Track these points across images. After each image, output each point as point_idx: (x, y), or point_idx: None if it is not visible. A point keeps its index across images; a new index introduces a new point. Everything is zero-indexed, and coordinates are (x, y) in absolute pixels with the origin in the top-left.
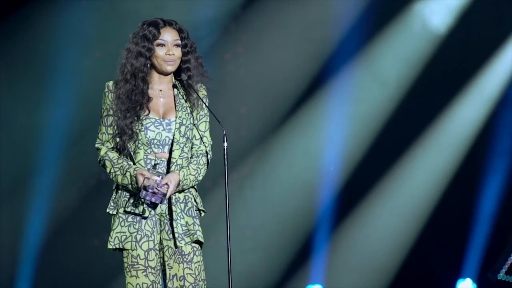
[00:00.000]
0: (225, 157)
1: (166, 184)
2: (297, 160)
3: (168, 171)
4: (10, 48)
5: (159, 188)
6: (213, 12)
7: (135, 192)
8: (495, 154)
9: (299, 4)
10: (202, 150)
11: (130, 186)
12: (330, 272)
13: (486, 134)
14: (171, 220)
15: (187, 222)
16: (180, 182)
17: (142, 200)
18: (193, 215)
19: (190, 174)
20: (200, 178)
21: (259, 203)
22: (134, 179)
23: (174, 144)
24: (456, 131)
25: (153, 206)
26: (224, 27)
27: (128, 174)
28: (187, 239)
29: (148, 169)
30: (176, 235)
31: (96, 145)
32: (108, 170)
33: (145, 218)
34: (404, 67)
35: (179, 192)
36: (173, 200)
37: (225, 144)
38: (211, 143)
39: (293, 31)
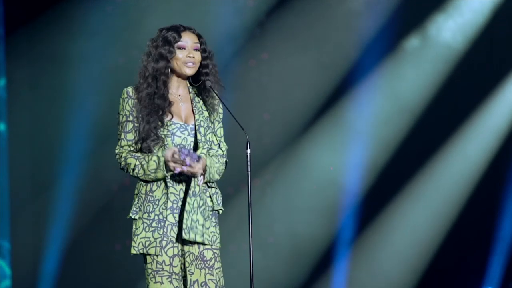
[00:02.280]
0: (248, 163)
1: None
2: (320, 167)
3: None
4: (34, 51)
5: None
6: (238, 18)
7: (158, 198)
8: None
9: (323, 11)
10: (219, 153)
11: (157, 171)
12: (352, 279)
13: (511, 143)
14: (182, 210)
15: (198, 220)
16: (207, 167)
17: (176, 157)
18: (206, 216)
19: (215, 162)
20: (217, 176)
21: (282, 209)
22: (162, 158)
23: (199, 144)
24: (480, 139)
25: (185, 182)
26: (249, 33)
27: (155, 157)
28: (192, 235)
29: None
30: (184, 226)
31: (116, 151)
32: (132, 166)
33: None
34: (429, 74)
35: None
36: (190, 193)
37: (248, 150)
38: (227, 147)
39: (317, 38)
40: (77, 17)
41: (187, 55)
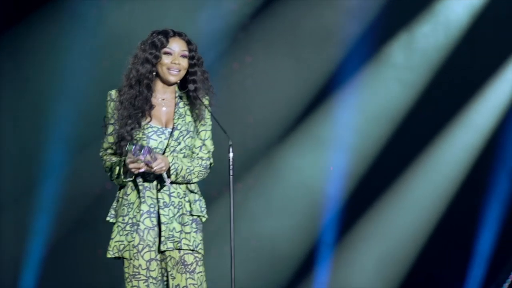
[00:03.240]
0: (231, 167)
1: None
2: (303, 171)
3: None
4: (16, 56)
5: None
6: (221, 21)
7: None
8: (503, 165)
9: (307, 15)
10: (199, 156)
11: (122, 176)
12: (334, 282)
13: (494, 144)
14: (159, 223)
15: (174, 228)
16: (170, 164)
17: (130, 157)
18: (183, 222)
19: (181, 161)
20: (193, 176)
21: (264, 213)
22: (123, 163)
23: (167, 148)
24: (461, 145)
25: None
26: (232, 36)
27: (121, 162)
28: (170, 245)
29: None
30: (162, 238)
31: (100, 153)
32: (108, 170)
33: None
34: (410, 79)
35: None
36: (161, 204)
37: (231, 154)
38: (213, 149)
39: (301, 42)
40: (60, 21)
41: (172, 61)
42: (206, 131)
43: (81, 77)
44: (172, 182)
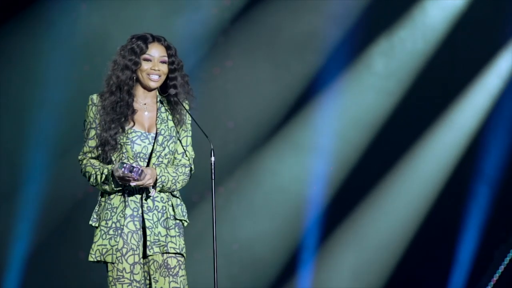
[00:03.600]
0: (213, 171)
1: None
2: (285, 175)
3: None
4: (3, 54)
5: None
6: (201, 26)
7: (116, 205)
8: (482, 170)
9: (288, 19)
10: (182, 162)
11: (107, 183)
12: (317, 285)
13: (478, 144)
14: (144, 228)
15: (159, 233)
16: (158, 177)
17: (121, 172)
18: (168, 226)
19: (167, 173)
20: (178, 185)
21: (246, 217)
22: (111, 172)
23: (152, 153)
24: (441, 150)
25: (138, 194)
26: (212, 41)
27: (106, 170)
28: (156, 249)
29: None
30: (148, 243)
31: (78, 157)
32: (88, 175)
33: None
34: (395, 79)
35: (160, 198)
36: (145, 208)
37: (213, 158)
38: (193, 156)
39: (282, 46)
40: (42, 25)
41: (152, 67)
42: (187, 137)
43: (61, 81)
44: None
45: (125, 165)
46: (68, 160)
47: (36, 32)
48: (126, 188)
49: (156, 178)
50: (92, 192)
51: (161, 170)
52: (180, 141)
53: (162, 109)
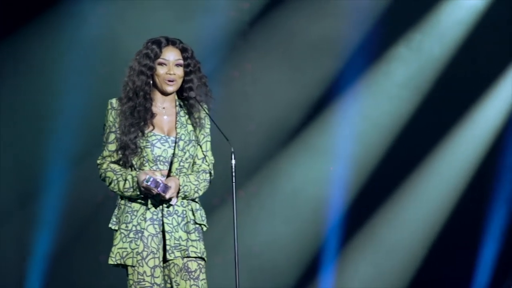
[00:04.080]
0: (233, 174)
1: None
2: (305, 178)
3: None
4: (17, 63)
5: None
6: (220, 29)
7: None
8: (507, 167)
9: (307, 21)
10: (202, 168)
11: (131, 190)
12: None
13: (497, 149)
14: (163, 232)
15: (180, 237)
16: (181, 187)
17: (146, 185)
18: (188, 230)
19: (190, 182)
20: (200, 192)
21: (267, 220)
22: (136, 179)
23: (174, 158)
24: (464, 149)
25: (160, 203)
26: (231, 44)
27: (129, 176)
28: (177, 253)
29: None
30: (168, 247)
31: (97, 161)
32: (109, 180)
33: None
34: (414, 83)
35: (180, 203)
36: (165, 212)
37: (233, 161)
38: (213, 161)
39: (301, 49)
40: (59, 28)
41: (167, 72)
42: (207, 142)
43: (78, 86)
44: None
45: (151, 179)
46: (88, 165)
47: (54, 35)
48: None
49: (179, 188)
50: (113, 196)
51: (183, 180)
52: (200, 146)
53: (181, 113)
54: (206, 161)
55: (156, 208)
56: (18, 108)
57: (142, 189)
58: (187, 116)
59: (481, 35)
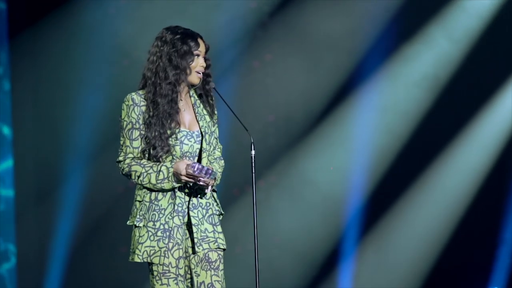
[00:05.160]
0: (253, 165)
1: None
2: (325, 168)
3: None
4: (38, 55)
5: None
6: (240, 20)
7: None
8: None
9: (326, 13)
10: (217, 155)
11: (166, 181)
12: (358, 280)
13: None
14: (190, 225)
15: (206, 229)
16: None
17: (192, 172)
18: (214, 222)
19: (217, 170)
20: (219, 179)
21: (287, 211)
22: (171, 170)
23: (202, 153)
24: (484, 140)
25: (196, 194)
26: (252, 35)
27: (163, 167)
28: (205, 246)
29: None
30: (195, 240)
31: (119, 158)
32: (138, 173)
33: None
34: (431, 77)
35: (200, 195)
36: (190, 205)
37: (253, 152)
38: (221, 146)
39: (321, 39)
40: (80, 19)
41: (201, 64)
42: (216, 129)
43: (104, 74)
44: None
45: (194, 165)
46: (108, 156)
47: (75, 26)
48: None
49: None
50: (133, 188)
51: (215, 168)
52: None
53: (197, 103)
54: (218, 148)
55: (181, 199)
56: (36, 103)
57: (184, 178)
58: (201, 106)
59: (499, 30)
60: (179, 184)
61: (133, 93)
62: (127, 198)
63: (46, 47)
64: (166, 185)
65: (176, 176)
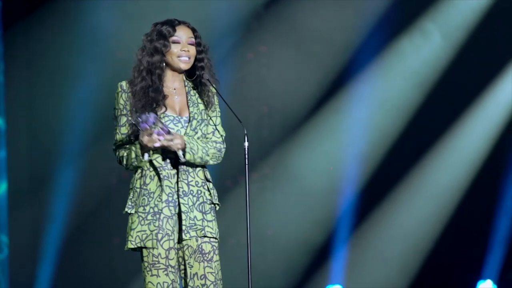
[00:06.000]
0: (246, 156)
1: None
2: (318, 160)
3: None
4: (31, 47)
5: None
6: (235, 11)
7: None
8: None
9: (321, 3)
10: (213, 139)
11: (139, 159)
12: (350, 272)
13: (508, 135)
14: (179, 212)
15: (195, 217)
16: (187, 143)
17: (138, 122)
18: (204, 210)
19: (197, 142)
20: (209, 157)
21: (280, 203)
22: (138, 145)
23: (185, 137)
24: (477, 133)
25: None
26: (246, 26)
27: (133, 146)
28: (193, 233)
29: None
30: (183, 227)
31: (113, 147)
32: (122, 157)
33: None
34: (429, 67)
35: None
36: (180, 193)
37: (246, 143)
38: (224, 134)
39: (315, 32)
40: (74, 12)
41: (181, 49)
42: (216, 117)
43: (98, 68)
44: (188, 167)
45: (140, 116)
46: (102, 147)
47: (69, 19)
48: (161, 171)
49: (185, 144)
50: (127, 179)
51: (188, 138)
52: (209, 123)
53: (192, 92)
54: (217, 134)
55: (170, 188)
56: (31, 93)
57: (145, 142)
58: (197, 95)
59: (491, 26)
60: (149, 157)
61: (123, 81)
62: (120, 189)
63: (40, 40)
64: (139, 162)
65: (141, 144)
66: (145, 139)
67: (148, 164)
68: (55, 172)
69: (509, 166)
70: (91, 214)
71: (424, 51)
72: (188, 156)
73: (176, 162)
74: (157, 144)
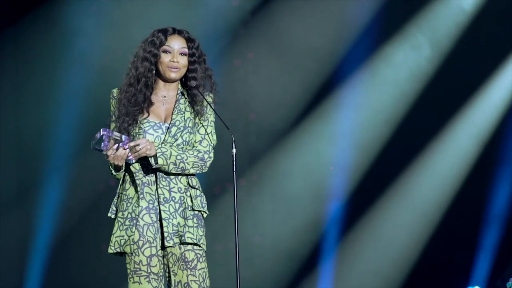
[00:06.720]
0: (234, 163)
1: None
2: (306, 167)
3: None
4: (19, 53)
5: (124, 147)
6: (222, 18)
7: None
8: (505, 160)
9: (308, 10)
10: (197, 149)
11: (113, 171)
12: (338, 279)
13: (496, 140)
14: (160, 219)
15: (178, 223)
16: (157, 148)
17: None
18: (187, 216)
19: (171, 149)
20: (188, 166)
21: (268, 209)
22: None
23: (163, 143)
24: (464, 140)
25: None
26: (233, 33)
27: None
28: (176, 240)
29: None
30: (165, 234)
31: None
32: (108, 166)
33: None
34: (414, 74)
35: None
36: (161, 199)
37: (234, 150)
38: (212, 144)
39: (303, 38)
40: (61, 18)
41: (171, 59)
42: (208, 126)
43: (85, 74)
44: (168, 173)
45: (93, 139)
46: (90, 153)
47: (56, 25)
48: (139, 177)
49: (156, 150)
50: (114, 185)
51: (160, 145)
52: (198, 131)
53: (181, 100)
54: (204, 143)
55: (151, 195)
56: (19, 99)
57: (110, 159)
58: (187, 104)
59: (479, 32)
60: (122, 171)
61: (115, 88)
62: (108, 195)
63: (28, 47)
64: (116, 174)
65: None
66: (110, 158)
67: (129, 170)
68: (43, 178)
69: (495, 173)
70: (79, 221)
71: (410, 59)
72: (160, 161)
73: (155, 169)
74: (130, 157)
